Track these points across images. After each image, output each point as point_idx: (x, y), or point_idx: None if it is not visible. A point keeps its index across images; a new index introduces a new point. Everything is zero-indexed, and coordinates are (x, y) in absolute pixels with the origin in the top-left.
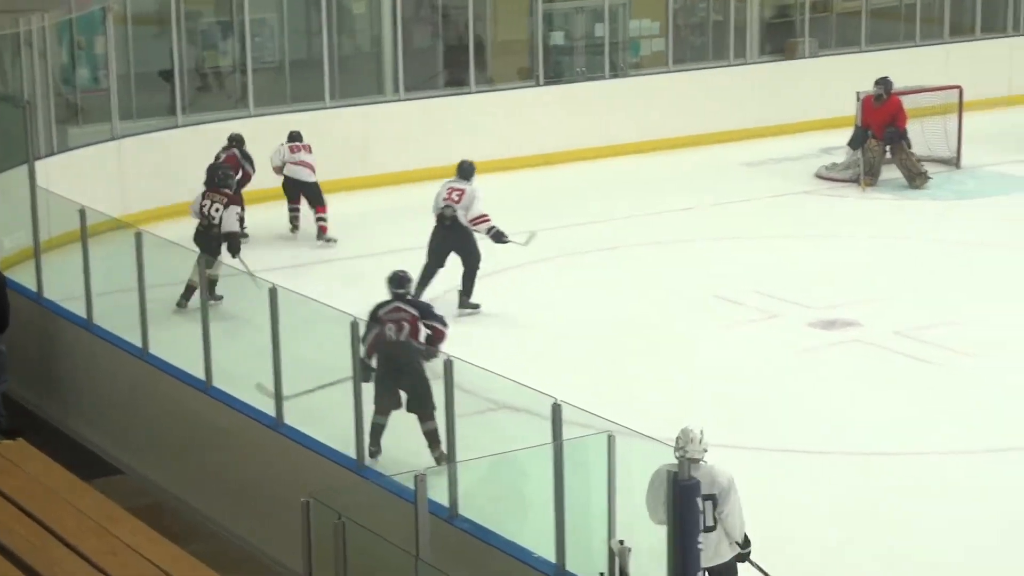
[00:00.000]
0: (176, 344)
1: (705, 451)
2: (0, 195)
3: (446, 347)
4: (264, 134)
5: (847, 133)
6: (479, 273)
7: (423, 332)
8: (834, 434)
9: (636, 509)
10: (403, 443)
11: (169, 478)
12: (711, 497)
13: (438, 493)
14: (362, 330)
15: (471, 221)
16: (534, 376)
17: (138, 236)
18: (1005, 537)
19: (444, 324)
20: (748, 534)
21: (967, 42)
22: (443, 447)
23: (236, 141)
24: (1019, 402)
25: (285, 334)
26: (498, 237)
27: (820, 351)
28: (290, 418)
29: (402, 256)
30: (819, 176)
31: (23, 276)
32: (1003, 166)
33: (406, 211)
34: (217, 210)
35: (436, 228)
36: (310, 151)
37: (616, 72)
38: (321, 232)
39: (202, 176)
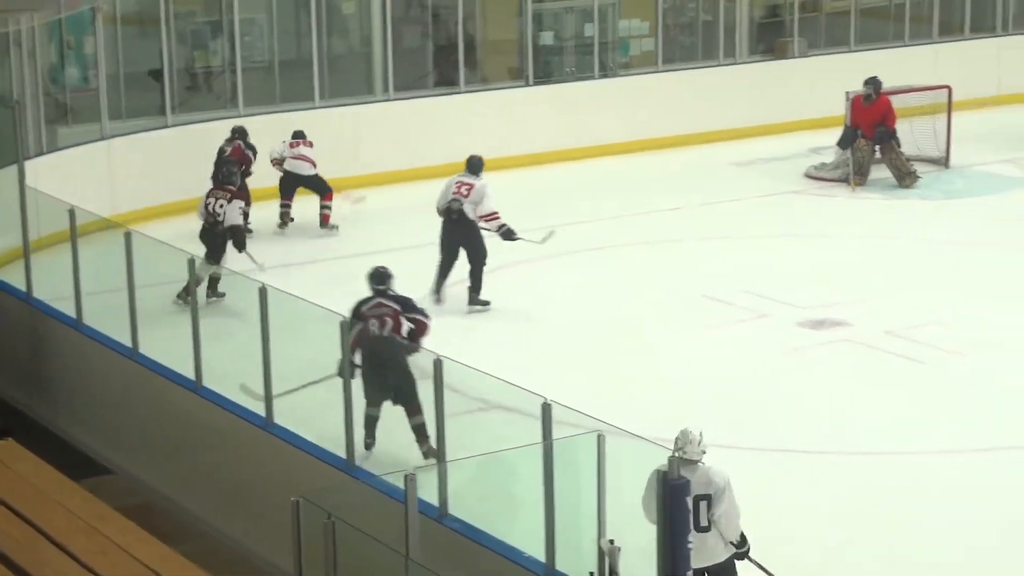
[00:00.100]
0: (166, 344)
1: (704, 452)
2: None
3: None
4: (254, 134)
5: (836, 133)
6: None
7: (405, 326)
8: (832, 434)
9: (626, 508)
10: (394, 436)
11: (159, 478)
12: (706, 497)
13: (428, 493)
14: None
15: (482, 218)
16: (530, 376)
17: (128, 236)
18: (1005, 537)
19: (426, 317)
20: (745, 533)
21: (956, 42)
22: (431, 441)
23: (240, 133)
24: (1014, 401)
25: (275, 334)
26: (508, 235)
27: (810, 351)
28: (280, 418)
29: (394, 255)
30: (808, 176)
31: (13, 276)
32: (992, 166)
33: (396, 211)
34: (221, 206)
35: (444, 223)
36: (311, 146)
37: (605, 72)
38: (324, 221)
39: (193, 176)
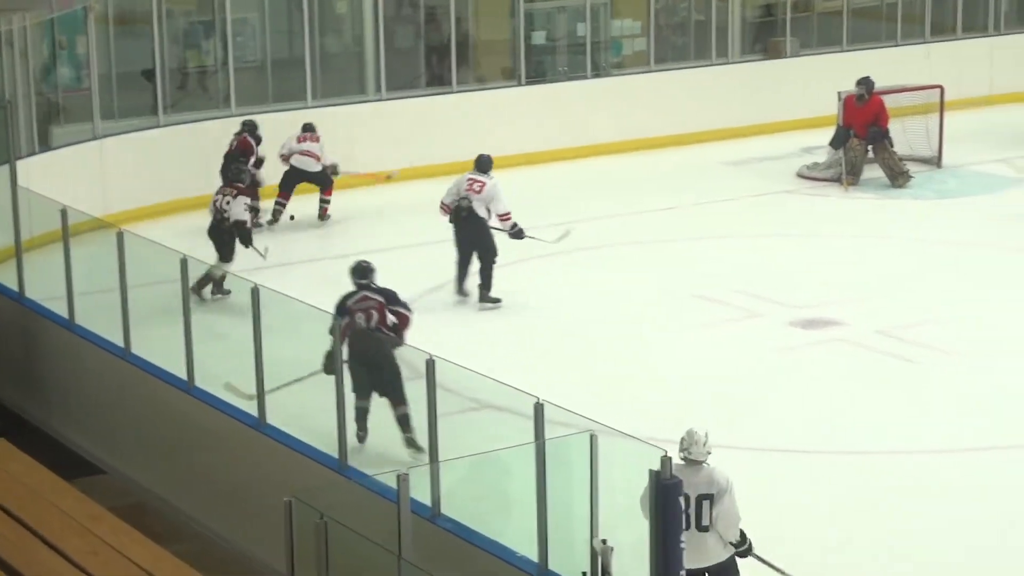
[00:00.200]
0: (158, 344)
1: (709, 453)
2: None
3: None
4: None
5: (829, 132)
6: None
7: (390, 319)
8: (831, 434)
9: (619, 508)
10: (389, 435)
11: (152, 478)
12: (709, 497)
13: (421, 492)
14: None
15: (497, 217)
16: (528, 375)
17: (120, 236)
18: (1005, 537)
19: (409, 310)
20: (745, 532)
21: (948, 41)
22: (423, 442)
23: (249, 126)
24: (1012, 401)
25: (268, 334)
26: (518, 235)
27: (803, 350)
28: (272, 418)
29: (387, 255)
30: (801, 175)
31: (5, 276)
32: (984, 165)
33: (389, 211)
34: (227, 203)
35: (455, 221)
36: (317, 140)
37: (598, 72)
38: (322, 214)
39: (186, 175)
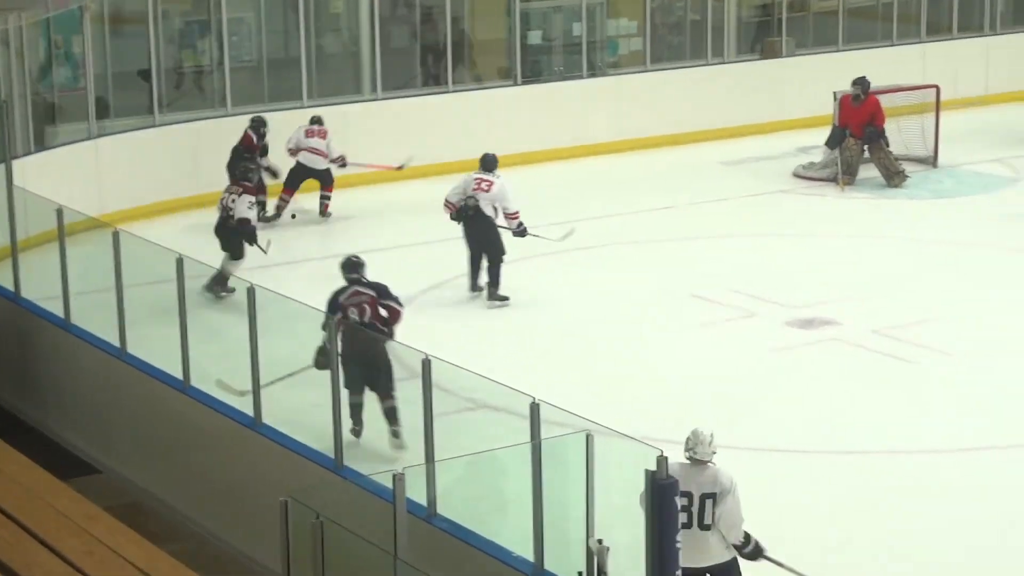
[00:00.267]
0: (154, 344)
1: (714, 453)
2: None
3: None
4: (241, 133)
5: (824, 132)
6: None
7: (382, 312)
8: (831, 434)
9: (615, 508)
10: (384, 434)
11: (147, 478)
12: (712, 496)
13: (417, 492)
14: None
15: (506, 216)
16: (528, 376)
17: (116, 235)
18: (1005, 537)
19: (400, 304)
20: (750, 534)
21: (944, 41)
22: (401, 427)
23: (258, 122)
24: (1010, 400)
25: (264, 333)
26: (522, 233)
27: (799, 350)
28: (268, 418)
29: (381, 255)
30: (796, 175)
31: (1, 276)
32: (980, 165)
33: (383, 210)
34: (233, 201)
35: (463, 220)
36: (324, 136)
37: (594, 71)
38: (323, 210)
39: (181, 175)
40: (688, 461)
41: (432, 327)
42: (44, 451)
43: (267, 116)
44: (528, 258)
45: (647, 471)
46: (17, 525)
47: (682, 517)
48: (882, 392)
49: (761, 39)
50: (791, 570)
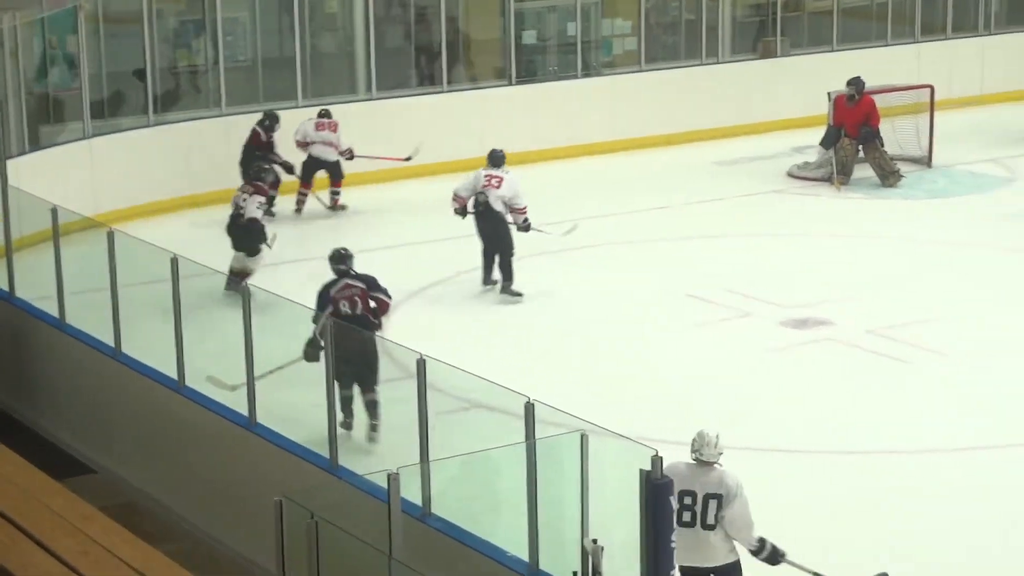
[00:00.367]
0: (149, 344)
1: (720, 454)
2: None
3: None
4: (238, 132)
5: (819, 132)
6: (474, 265)
7: (372, 304)
8: (830, 434)
9: (609, 508)
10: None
11: (142, 478)
12: (716, 497)
13: (411, 492)
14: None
15: (515, 211)
16: (528, 375)
17: (110, 235)
18: (1006, 537)
19: (388, 296)
20: (765, 537)
21: (938, 41)
22: (380, 421)
23: (270, 118)
24: (1008, 400)
25: (262, 333)
26: (526, 228)
27: (796, 350)
28: (263, 417)
29: (377, 255)
30: (791, 175)
31: None
32: (974, 165)
33: (379, 210)
34: (244, 200)
35: (475, 216)
36: (335, 129)
37: (588, 71)
38: (335, 204)
39: (176, 175)
40: (694, 462)
41: (430, 327)
42: (39, 451)
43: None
44: (526, 257)
45: (641, 471)
46: (12, 525)
47: (685, 516)
48: (880, 392)
49: (756, 39)
50: (815, 573)
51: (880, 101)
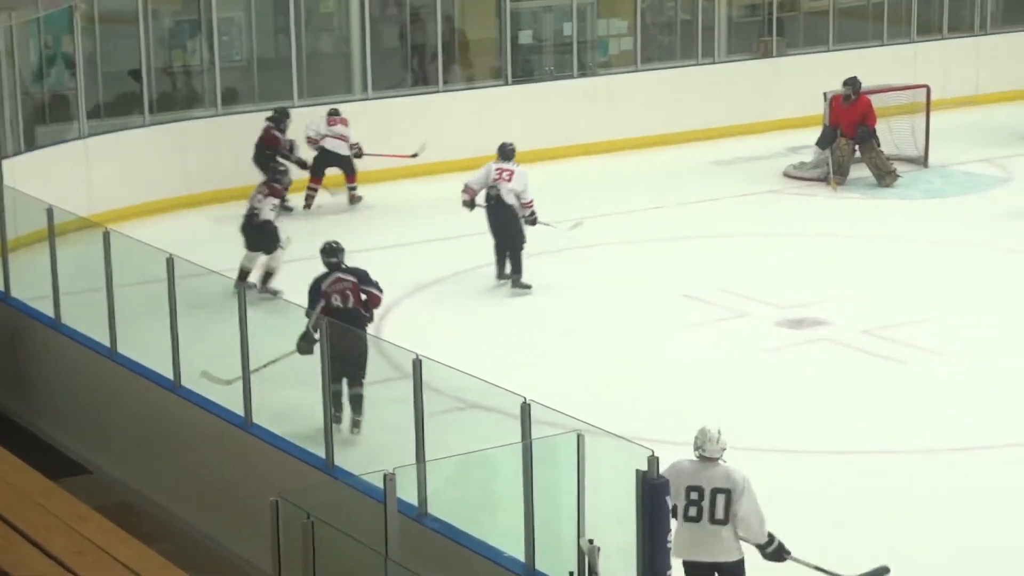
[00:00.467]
0: (145, 344)
1: (724, 449)
2: None
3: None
4: (235, 132)
5: (815, 132)
6: (472, 264)
7: (363, 298)
8: (830, 434)
9: (606, 508)
10: (377, 434)
11: (138, 478)
12: (724, 492)
13: (408, 492)
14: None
15: (522, 204)
16: (527, 376)
17: (106, 235)
18: (1005, 537)
19: (380, 290)
20: (773, 533)
21: (934, 41)
22: (363, 416)
23: (277, 115)
24: (1006, 400)
25: (258, 333)
26: (533, 222)
27: (794, 350)
28: (259, 418)
29: (375, 255)
30: (787, 175)
31: None
32: (970, 165)
33: (376, 209)
34: (259, 201)
35: (486, 209)
36: (347, 124)
37: (584, 71)
38: (352, 199)
39: (172, 175)
40: (698, 459)
41: (430, 326)
42: (34, 451)
43: (259, 116)
44: (525, 257)
45: (637, 471)
46: (7, 525)
47: (692, 511)
48: (877, 392)
49: (752, 39)
50: (822, 570)
51: (876, 101)
